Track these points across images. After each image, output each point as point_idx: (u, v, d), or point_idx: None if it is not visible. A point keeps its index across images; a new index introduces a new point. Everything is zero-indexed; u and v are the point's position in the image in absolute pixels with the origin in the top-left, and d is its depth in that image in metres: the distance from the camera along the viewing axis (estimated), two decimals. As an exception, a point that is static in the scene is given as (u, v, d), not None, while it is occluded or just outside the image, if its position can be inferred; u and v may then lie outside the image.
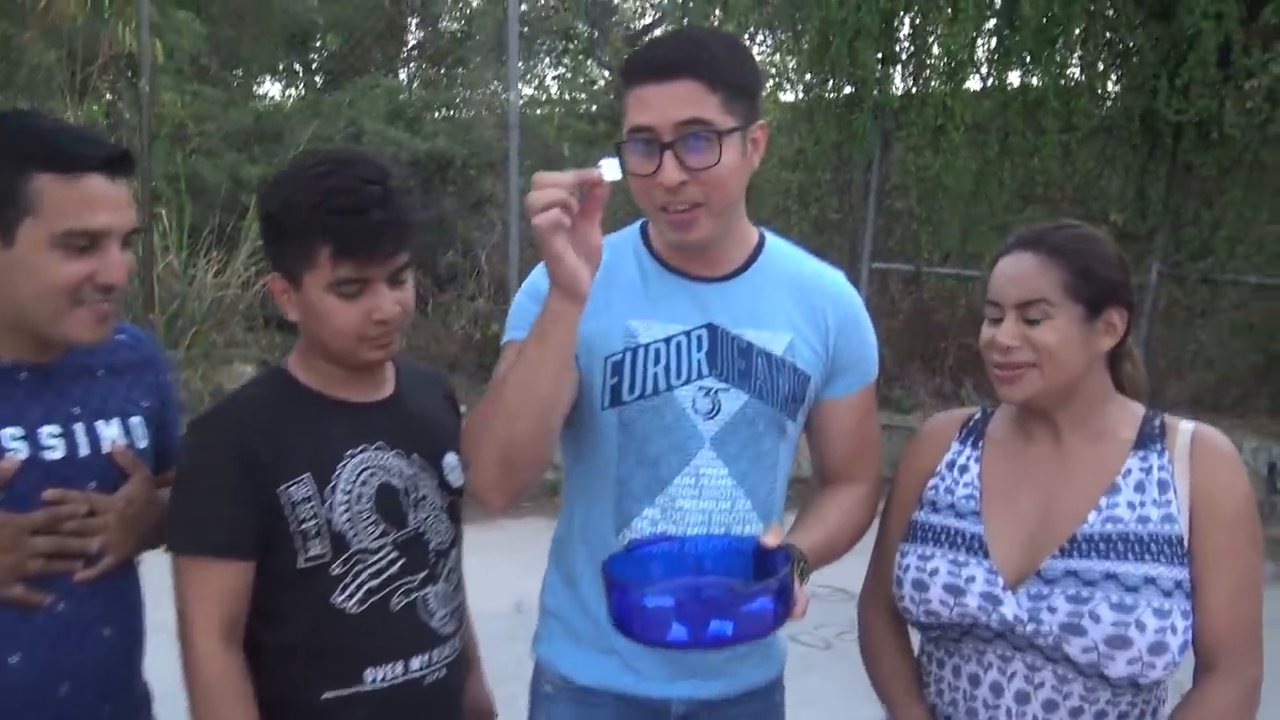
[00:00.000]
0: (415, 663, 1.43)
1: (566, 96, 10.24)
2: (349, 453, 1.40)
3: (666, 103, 1.34)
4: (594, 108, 9.47)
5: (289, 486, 1.36)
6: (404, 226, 1.37)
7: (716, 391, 1.46)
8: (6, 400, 1.31)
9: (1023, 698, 1.36)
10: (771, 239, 1.57)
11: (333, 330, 1.36)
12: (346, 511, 1.38)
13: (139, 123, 6.14)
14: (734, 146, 1.38)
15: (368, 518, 1.39)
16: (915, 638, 1.54)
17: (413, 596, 1.43)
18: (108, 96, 6.95)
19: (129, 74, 6.45)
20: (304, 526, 1.36)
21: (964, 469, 1.47)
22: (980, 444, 1.49)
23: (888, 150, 6.86)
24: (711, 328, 1.47)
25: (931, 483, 1.49)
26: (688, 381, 1.46)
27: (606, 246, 1.51)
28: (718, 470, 1.46)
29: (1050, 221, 1.49)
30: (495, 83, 9.38)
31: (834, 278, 1.56)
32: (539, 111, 9.06)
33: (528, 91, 10.34)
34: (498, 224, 7.29)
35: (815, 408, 1.53)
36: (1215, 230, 6.50)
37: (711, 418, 1.46)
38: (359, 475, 1.40)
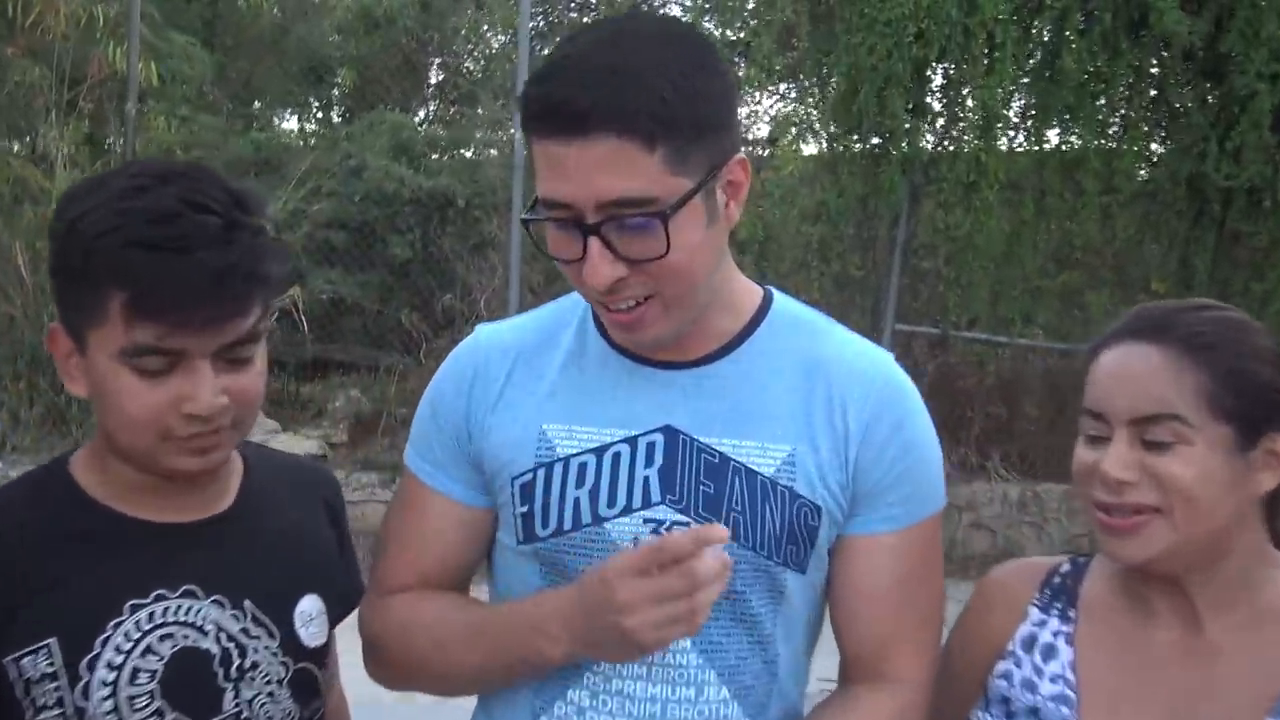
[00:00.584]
0: None
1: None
2: (131, 603, 0.97)
3: (585, 171, 0.91)
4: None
5: (21, 657, 0.93)
6: (248, 279, 0.93)
7: (671, 527, 1.02)
8: None
9: None
10: (781, 303, 1.12)
11: (122, 419, 0.94)
12: (110, 698, 0.94)
13: (123, 147, 5.83)
14: (692, 219, 0.95)
15: (146, 706, 0.95)
16: None
17: None
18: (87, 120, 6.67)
19: (118, 96, 6.17)
20: (42, 717, 0.92)
21: (1049, 651, 1.03)
22: (1072, 614, 1.05)
23: (916, 206, 6.47)
24: (671, 433, 1.03)
25: (1002, 668, 1.05)
26: (627, 511, 1.02)
27: (546, 315, 1.12)
28: (677, 642, 1.01)
29: (1176, 300, 1.06)
30: (511, 125, 9.10)
31: (871, 359, 1.09)
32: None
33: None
34: (499, 267, 6.92)
35: (834, 551, 1.08)
36: (1266, 305, 6.07)
37: None
38: (141, 640, 0.96)
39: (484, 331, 1.13)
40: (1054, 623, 1.05)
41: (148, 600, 0.97)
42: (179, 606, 0.98)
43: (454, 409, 1.09)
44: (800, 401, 1.05)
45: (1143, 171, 6.41)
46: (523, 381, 1.08)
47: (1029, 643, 1.04)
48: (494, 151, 8.23)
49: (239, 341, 0.95)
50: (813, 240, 6.79)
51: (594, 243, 0.93)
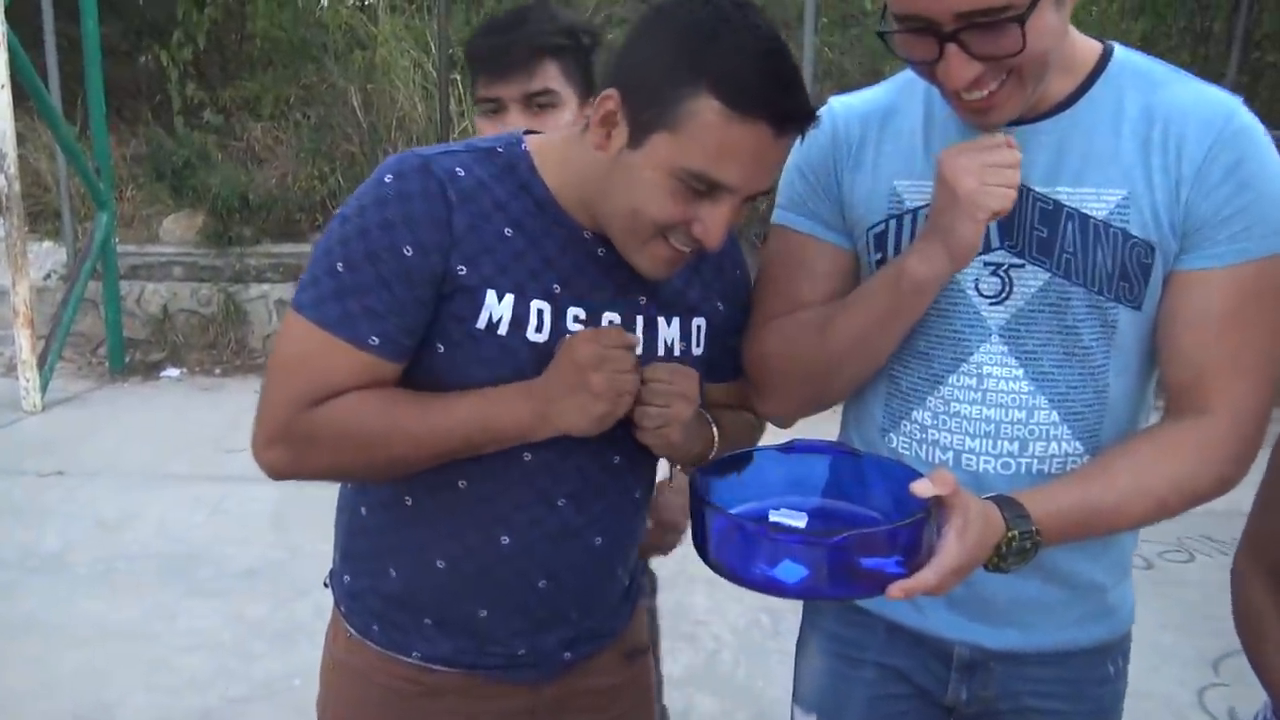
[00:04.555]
0: None
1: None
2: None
3: None
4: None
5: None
6: None
7: (1007, 268, 1.11)
8: (580, 274, 1.11)
9: None
10: (1123, 56, 1.12)
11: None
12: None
13: (437, -12, 6.17)
14: (1043, 10, 0.97)
15: None
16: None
17: None
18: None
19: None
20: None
21: None
22: None
23: (1261, -10, 5.71)
24: None
25: None
26: None
27: (890, 87, 1.21)
28: (1007, 369, 1.12)
29: None
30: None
31: (1213, 101, 1.07)
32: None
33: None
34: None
35: (1165, 285, 1.10)
36: None
37: (1000, 302, 1.11)
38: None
39: (836, 102, 1.23)
40: None
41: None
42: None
43: (822, 167, 1.21)
44: (1137, 147, 1.07)
45: None
46: (878, 141, 1.18)
47: None
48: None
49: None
50: (1133, 35, 6.20)
51: (951, 48, 0.97)
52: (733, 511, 0.97)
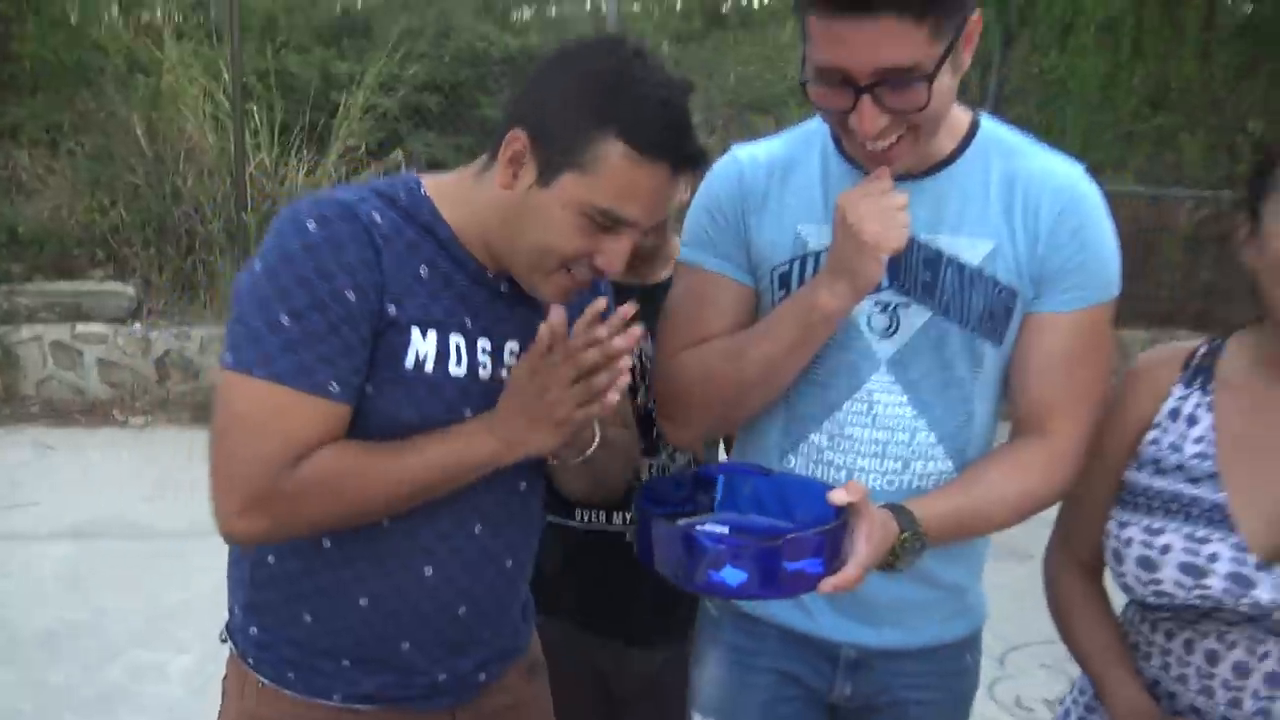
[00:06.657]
0: None
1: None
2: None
3: (864, 46, 1.07)
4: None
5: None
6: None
7: (895, 307, 1.28)
8: (487, 309, 1.20)
9: (1276, 680, 1.17)
10: (988, 126, 1.31)
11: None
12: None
13: (229, 14, 5.99)
14: (945, 73, 1.13)
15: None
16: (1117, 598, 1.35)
17: None
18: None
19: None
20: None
21: (1192, 419, 1.25)
22: (1209, 387, 1.26)
23: (1009, 49, 6.39)
24: None
25: (1151, 435, 1.27)
26: None
27: (789, 140, 1.35)
28: (894, 396, 1.29)
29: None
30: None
31: (1064, 172, 1.27)
32: (635, 8, 8.68)
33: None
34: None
35: (1021, 326, 1.29)
36: (1370, 142, 5.94)
37: (888, 336, 1.28)
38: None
39: (742, 152, 1.36)
40: (1195, 397, 1.25)
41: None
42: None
43: (731, 211, 1.32)
44: (1001, 206, 1.26)
45: (1246, 6, 6.23)
46: (781, 189, 1.31)
47: (1174, 414, 1.25)
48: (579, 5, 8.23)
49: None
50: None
51: (866, 100, 1.11)
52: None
